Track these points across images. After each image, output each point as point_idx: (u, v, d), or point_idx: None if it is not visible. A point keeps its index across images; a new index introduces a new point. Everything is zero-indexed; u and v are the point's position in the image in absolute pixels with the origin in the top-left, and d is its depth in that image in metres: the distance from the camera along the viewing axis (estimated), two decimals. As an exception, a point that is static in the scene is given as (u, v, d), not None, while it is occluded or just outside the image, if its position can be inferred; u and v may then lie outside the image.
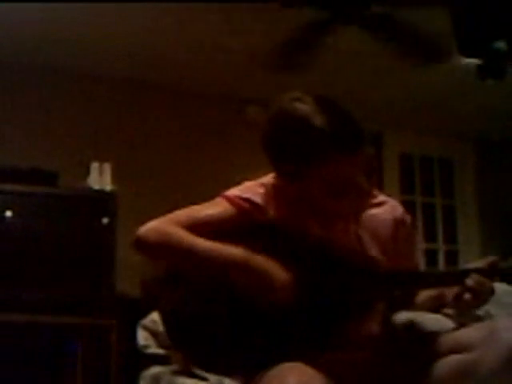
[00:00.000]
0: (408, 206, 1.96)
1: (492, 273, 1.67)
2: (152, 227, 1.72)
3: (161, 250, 1.71)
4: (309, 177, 1.67)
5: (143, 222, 1.76)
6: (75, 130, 4.90)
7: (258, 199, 1.75)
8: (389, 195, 1.98)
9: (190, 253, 1.67)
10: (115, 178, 4.44)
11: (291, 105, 1.69)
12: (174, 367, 3.18)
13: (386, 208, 1.88)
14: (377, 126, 5.49)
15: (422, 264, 5.36)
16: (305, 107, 1.67)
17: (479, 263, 1.71)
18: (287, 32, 3.80)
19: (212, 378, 2.63)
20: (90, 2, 3.97)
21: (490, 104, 5.41)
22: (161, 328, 3.65)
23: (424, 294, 1.85)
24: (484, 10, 3.62)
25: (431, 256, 6.07)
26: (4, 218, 4.13)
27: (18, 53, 4.64)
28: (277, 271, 1.62)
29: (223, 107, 5.37)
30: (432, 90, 5.24)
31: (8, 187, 4.12)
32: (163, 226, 1.72)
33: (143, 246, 1.72)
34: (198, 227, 1.70)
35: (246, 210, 1.73)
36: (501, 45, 3.76)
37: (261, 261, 1.63)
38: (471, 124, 5.91)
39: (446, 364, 1.62)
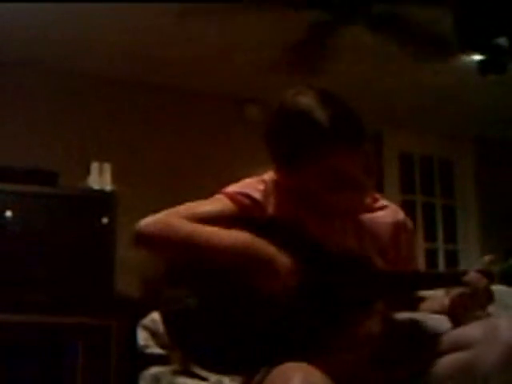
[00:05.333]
0: (408, 205, 1.97)
1: (489, 272, 1.68)
2: (151, 220, 1.69)
3: (160, 240, 1.67)
4: (307, 170, 1.67)
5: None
6: (75, 130, 4.90)
7: (257, 195, 1.74)
8: (389, 195, 1.99)
9: (190, 239, 1.64)
10: (115, 177, 4.44)
11: (293, 98, 1.71)
12: (174, 367, 3.18)
13: (387, 212, 1.89)
14: (377, 125, 5.48)
15: (422, 264, 5.36)
16: (306, 101, 1.68)
17: (478, 265, 1.71)
18: (289, 33, 3.80)
19: (212, 377, 2.63)
20: (90, 2, 3.97)
21: (489, 103, 5.41)
22: (161, 328, 3.66)
23: (427, 303, 1.85)
24: (485, 7, 3.63)
25: (431, 256, 6.07)
26: (4, 217, 4.13)
27: (18, 53, 4.64)
28: (280, 255, 1.62)
29: (223, 107, 5.37)
30: (432, 90, 5.24)
31: (8, 187, 4.13)
32: (163, 218, 1.69)
33: (143, 239, 1.68)
34: (198, 223, 1.67)
35: (245, 206, 1.72)
36: (502, 41, 3.76)
37: (263, 245, 1.62)
38: (471, 123, 5.91)
39: (445, 362, 1.62)
